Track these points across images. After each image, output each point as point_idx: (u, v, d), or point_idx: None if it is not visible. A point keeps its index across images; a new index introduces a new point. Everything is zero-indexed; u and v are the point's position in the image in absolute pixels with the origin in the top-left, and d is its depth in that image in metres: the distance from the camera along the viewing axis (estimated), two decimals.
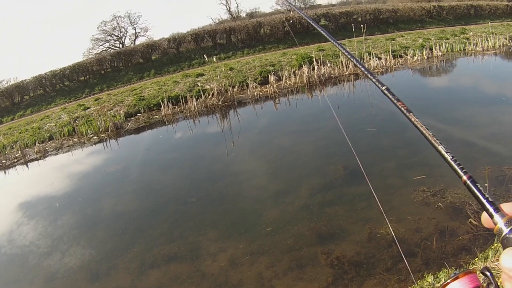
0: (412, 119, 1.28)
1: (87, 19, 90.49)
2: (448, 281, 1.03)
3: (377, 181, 9.29)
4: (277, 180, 10.62)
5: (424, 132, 1.23)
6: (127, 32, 48.04)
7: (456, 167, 1.10)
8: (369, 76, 1.53)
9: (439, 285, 5.29)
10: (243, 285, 6.62)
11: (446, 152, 1.14)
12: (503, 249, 0.91)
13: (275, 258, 7.13)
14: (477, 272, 1.03)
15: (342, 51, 1.71)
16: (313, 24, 1.74)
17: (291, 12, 35.78)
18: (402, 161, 10.06)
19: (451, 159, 1.12)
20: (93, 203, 11.84)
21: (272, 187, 10.23)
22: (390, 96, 1.39)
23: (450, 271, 5.43)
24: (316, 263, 6.78)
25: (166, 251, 8.08)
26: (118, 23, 46.74)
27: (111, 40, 46.98)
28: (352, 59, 1.71)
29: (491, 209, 0.99)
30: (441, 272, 5.49)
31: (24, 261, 9.06)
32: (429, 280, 5.40)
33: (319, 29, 1.79)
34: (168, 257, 7.89)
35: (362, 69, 1.62)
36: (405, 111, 1.32)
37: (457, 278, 1.02)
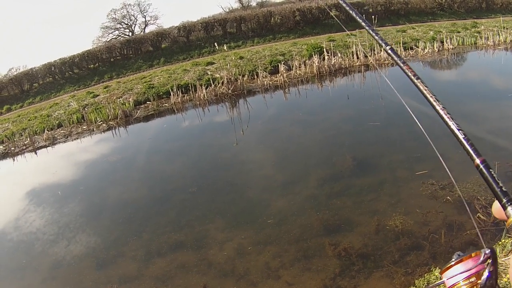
0: (420, 87, 1.24)
1: (87, 19, 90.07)
2: (452, 263, 1.01)
3: (385, 173, 9.28)
4: (285, 170, 10.61)
5: (434, 103, 1.18)
6: (137, 20, 47.76)
7: (468, 147, 1.06)
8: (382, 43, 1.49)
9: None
10: (250, 275, 6.64)
11: (458, 130, 1.08)
12: None
13: (282, 248, 7.14)
14: (482, 254, 1.01)
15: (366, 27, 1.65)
16: (348, 9, 1.68)
17: (302, 2, 35.51)
18: (411, 154, 10.00)
19: (463, 138, 1.07)
20: (99, 191, 11.91)
21: (280, 177, 10.22)
22: (395, 57, 1.35)
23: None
24: (323, 254, 6.79)
25: (172, 240, 8.12)
26: (128, 11, 46.49)
27: (120, 28, 46.78)
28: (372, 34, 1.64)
29: (504, 200, 0.96)
30: None
31: (30, 248, 9.13)
32: (436, 273, 5.39)
33: (354, 14, 1.73)
34: (174, 245, 7.93)
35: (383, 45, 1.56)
36: (412, 76, 1.27)
37: (461, 260, 1.00)
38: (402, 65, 1.32)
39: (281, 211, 8.40)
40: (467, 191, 7.57)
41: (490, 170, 1.01)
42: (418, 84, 1.25)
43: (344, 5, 1.67)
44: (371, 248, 6.71)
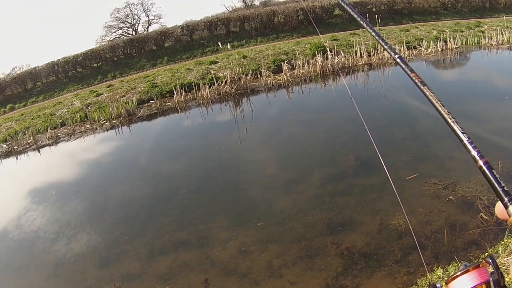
0: (427, 93, 1.25)
1: (87, 19, 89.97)
2: (458, 273, 1.02)
3: (388, 172, 9.26)
4: (288, 169, 10.61)
5: (439, 108, 1.19)
6: (140, 19, 47.78)
7: (471, 149, 1.07)
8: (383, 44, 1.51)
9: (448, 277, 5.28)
10: (252, 273, 6.65)
11: (462, 133, 1.10)
12: None
13: (284, 247, 7.16)
14: (487, 265, 1.02)
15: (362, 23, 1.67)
16: (347, 8, 1.70)
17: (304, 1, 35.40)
18: (414, 154, 10.00)
19: (467, 140, 1.08)
20: (102, 190, 11.93)
21: (283, 176, 10.23)
22: (403, 66, 1.37)
23: (459, 265, 5.42)
24: (325, 253, 6.80)
25: (176, 238, 8.14)
26: (131, 10, 46.48)
27: (124, 27, 46.81)
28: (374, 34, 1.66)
29: (506, 199, 0.96)
30: (450, 266, 5.48)
31: (30, 247, 9.16)
32: (438, 273, 5.39)
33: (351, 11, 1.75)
34: (177, 243, 7.95)
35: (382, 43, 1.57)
36: (419, 83, 1.29)
37: (467, 271, 1.01)
38: (410, 73, 1.34)
39: (284, 210, 8.41)
40: (469, 191, 7.58)
41: (493, 170, 1.02)
42: (425, 91, 1.27)
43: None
44: (374, 247, 6.71)
